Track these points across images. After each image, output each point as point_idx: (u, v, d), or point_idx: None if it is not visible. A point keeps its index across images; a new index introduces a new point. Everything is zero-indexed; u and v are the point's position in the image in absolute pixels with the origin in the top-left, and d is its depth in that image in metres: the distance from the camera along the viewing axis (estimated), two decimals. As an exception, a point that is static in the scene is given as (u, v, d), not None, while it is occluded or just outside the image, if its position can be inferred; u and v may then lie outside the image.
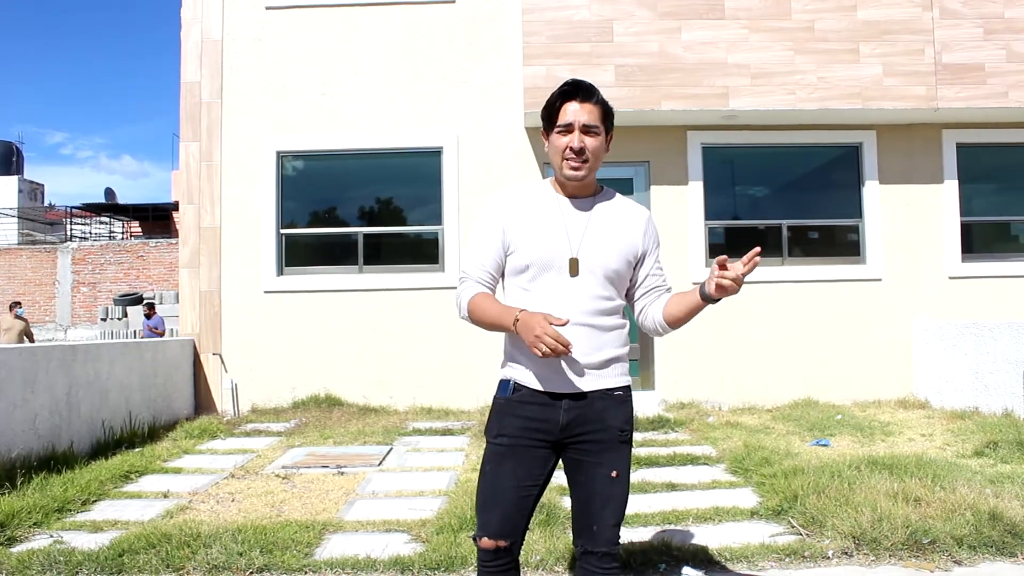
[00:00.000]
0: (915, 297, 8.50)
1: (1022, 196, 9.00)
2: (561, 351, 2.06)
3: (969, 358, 7.34)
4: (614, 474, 2.25)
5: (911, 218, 8.59)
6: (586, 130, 2.27)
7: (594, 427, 2.26)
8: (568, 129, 2.28)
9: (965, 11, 8.03)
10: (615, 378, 2.30)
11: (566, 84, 2.32)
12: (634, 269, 2.37)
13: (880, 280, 8.53)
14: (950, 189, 8.62)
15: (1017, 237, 9.13)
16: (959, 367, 7.52)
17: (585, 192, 2.36)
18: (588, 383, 2.26)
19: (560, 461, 2.34)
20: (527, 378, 2.29)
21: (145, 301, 16.15)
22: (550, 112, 2.33)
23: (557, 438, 2.27)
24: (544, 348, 2.06)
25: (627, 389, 2.34)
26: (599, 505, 2.25)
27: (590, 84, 2.32)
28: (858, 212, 8.69)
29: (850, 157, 8.76)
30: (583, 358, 2.24)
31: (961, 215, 8.63)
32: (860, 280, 8.54)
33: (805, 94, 7.97)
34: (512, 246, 2.32)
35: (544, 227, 2.30)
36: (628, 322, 2.39)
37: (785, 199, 9.02)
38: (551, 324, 2.08)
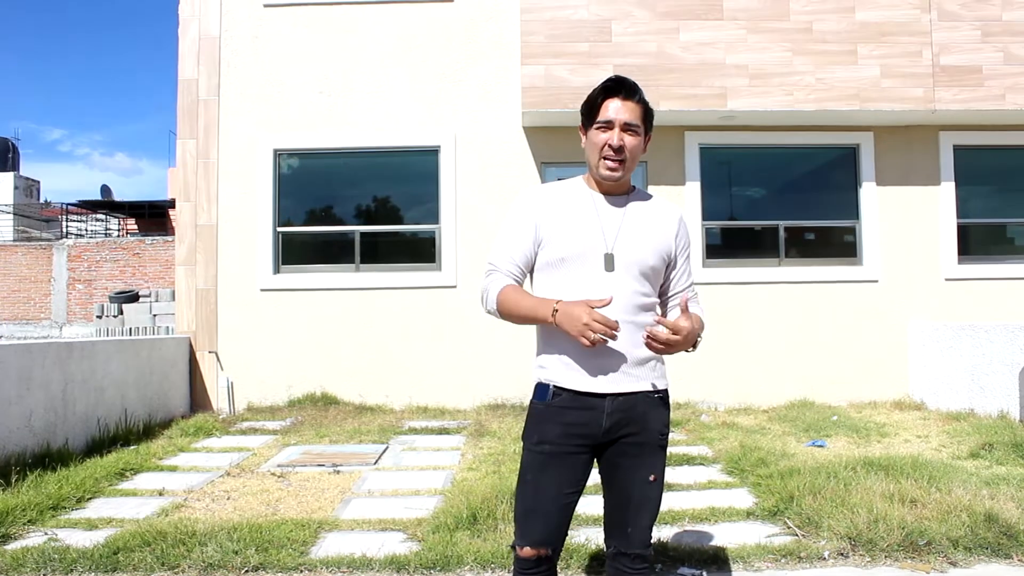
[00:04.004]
0: (911, 299, 8.52)
1: (1019, 198, 9.02)
2: (610, 335, 2.05)
3: (965, 360, 7.36)
4: (652, 478, 2.24)
5: (908, 220, 8.60)
6: (626, 128, 2.24)
7: (635, 429, 2.22)
8: (608, 126, 2.24)
9: (963, 13, 8.04)
10: (655, 380, 2.26)
11: (609, 80, 2.28)
12: (667, 269, 2.34)
13: (876, 282, 8.54)
14: (947, 191, 8.63)
15: (1013, 239, 9.14)
16: (955, 369, 7.53)
17: (620, 190, 2.33)
18: (630, 384, 2.22)
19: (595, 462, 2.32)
20: (566, 379, 2.22)
21: None
22: (591, 108, 2.29)
23: (598, 441, 2.23)
24: (593, 336, 2.04)
25: (666, 392, 2.30)
26: (635, 508, 2.24)
27: (634, 83, 2.29)
28: (855, 213, 8.70)
29: (847, 158, 8.77)
30: (622, 356, 2.20)
31: (958, 217, 8.65)
32: (857, 281, 8.55)
33: (803, 95, 7.98)
34: (545, 240, 2.27)
35: (578, 222, 2.26)
36: None
37: (782, 200, 9.02)
38: (594, 308, 2.07)
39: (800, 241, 8.87)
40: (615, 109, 2.24)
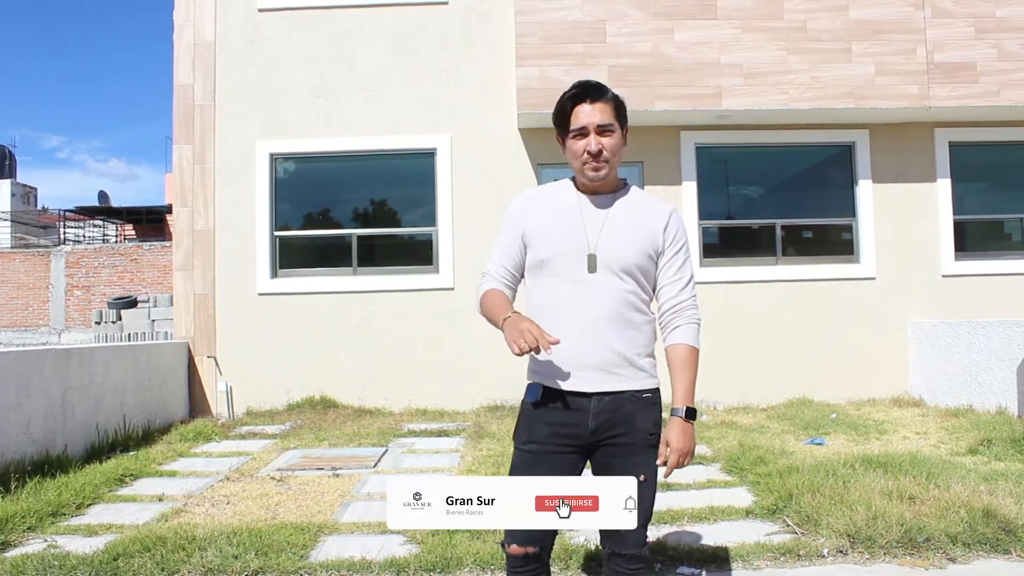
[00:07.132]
0: (909, 296, 8.53)
1: (1014, 194, 9.04)
2: (540, 346, 2.04)
3: (963, 356, 7.37)
4: (642, 477, 2.21)
5: (904, 217, 8.61)
6: (601, 130, 2.25)
7: (623, 430, 2.23)
8: (583, 133, 2.25)
9: (957, 10, 8.06)
10: (644, 379, 2.27)
11: (575, 87, 2.28)
12: (657, 265, 2.32)
13: (874, 279, 8.55)
14: (943, 188, 8.64)
15: (1010, 235, 9.16)
16: (953, 365, 7.54)
17: (606, 188, 2.34)
18: (616, 383, 2.23)
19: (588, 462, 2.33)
20: (554, 379, 2.25)
21: None
22: (562, 117, 2.30)
23: (586, 442, 2.25)
24: (522, 344, 2.03)
25: (656, 391, 2.30)
26: None
27: (599, 83, 2.29)
28: (851, 211, 8.71)
29: (843, 156, 8.78)
30: (609, 355, 2.22)
31: (954, 213, 8.66)
32: (854, 279, 8.57)
33: (798, 93, 7.99)
34: (531, 243, 2.31)
35: (562, 223, 2.29)
36: (655, 317, 2.35)
37: (778, 198, 9.04)
38: (542, 335, 2.06)
39: (797, 239, 8.89)
40: (586, 114, 2.25)
